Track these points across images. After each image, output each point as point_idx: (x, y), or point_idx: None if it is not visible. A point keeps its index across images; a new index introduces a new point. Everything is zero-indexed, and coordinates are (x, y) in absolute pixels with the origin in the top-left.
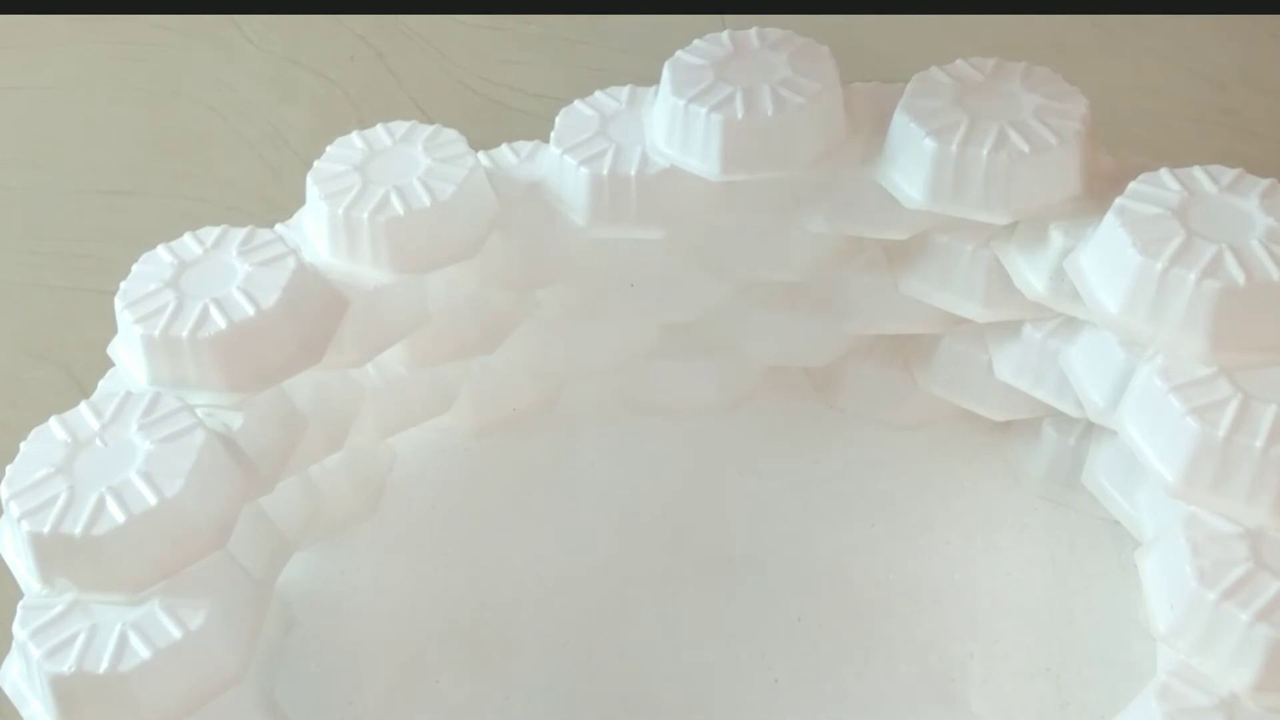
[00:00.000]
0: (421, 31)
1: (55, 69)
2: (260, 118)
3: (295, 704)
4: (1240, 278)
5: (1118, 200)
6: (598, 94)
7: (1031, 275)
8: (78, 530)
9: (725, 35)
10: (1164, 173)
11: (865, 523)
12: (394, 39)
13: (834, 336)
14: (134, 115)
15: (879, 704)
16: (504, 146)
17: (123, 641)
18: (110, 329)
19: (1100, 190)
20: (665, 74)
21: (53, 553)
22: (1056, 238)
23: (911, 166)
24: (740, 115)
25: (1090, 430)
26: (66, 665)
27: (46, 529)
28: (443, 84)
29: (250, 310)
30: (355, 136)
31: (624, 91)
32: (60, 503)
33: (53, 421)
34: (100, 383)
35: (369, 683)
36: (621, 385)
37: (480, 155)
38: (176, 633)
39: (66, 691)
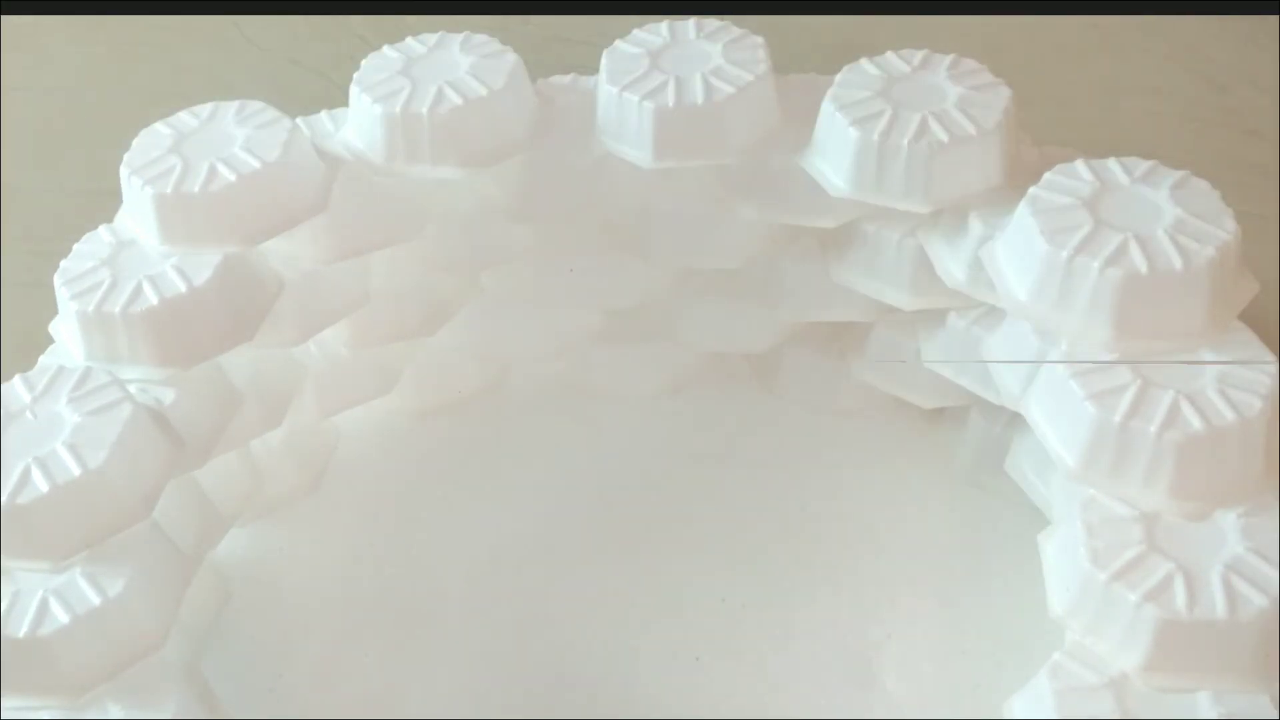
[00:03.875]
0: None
1: (56, 69)
2: None
3: (226, 675)
4: (1143, 266)
5: (1031, 190)
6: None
7: (952, 264)
8: (3, 499)
9: (664, 26)
10: (1079, 163)
11: (794, 506)
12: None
13: (771, 324)
14: (134, 115)
15: (796, 683)
16: None
17: (43, 607)
18: None
19: (1022, 181)
20: (603, 63)
21: None
22: (976, 227)
23: (836, 155)
24: (671, 103)
25: (1015, 418)
26: None
27: None
28: None
29: (182, 287)
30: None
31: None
32: None
33: None
34: (40, 358)
35: (299, 656)
36: (564, 369)
37: None
38: (95, 599)
39: None
